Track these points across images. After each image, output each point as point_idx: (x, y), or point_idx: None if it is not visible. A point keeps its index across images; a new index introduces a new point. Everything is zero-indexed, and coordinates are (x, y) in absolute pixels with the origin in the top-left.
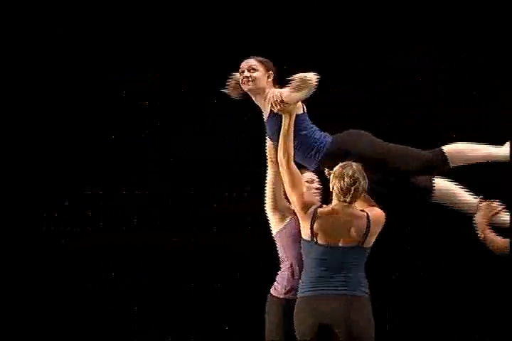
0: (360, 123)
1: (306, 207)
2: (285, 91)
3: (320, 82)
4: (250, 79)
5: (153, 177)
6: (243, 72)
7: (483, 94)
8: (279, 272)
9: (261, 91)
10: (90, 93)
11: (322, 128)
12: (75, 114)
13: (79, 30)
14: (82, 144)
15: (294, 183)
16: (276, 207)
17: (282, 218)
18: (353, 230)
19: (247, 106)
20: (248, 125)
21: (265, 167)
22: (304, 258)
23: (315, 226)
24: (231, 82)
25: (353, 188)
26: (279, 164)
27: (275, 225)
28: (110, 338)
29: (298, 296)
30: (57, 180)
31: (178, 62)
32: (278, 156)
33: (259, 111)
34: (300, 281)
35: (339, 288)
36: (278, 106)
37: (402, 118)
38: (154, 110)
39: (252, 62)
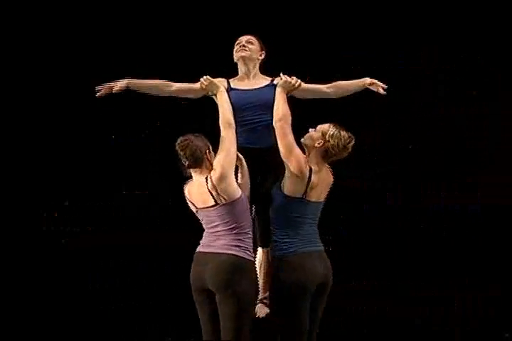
0: (360, 123)
1: (304, 167)
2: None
3: (320, 81)
4: (246, 48)
5: (153, 177)
6: (239, 43)
7: (483, 94)
8: (244, 237)
9: (251, 63)
10: (90, 93)
11: None
12: (75, 114)
13: (78, 30)
14: (82, 144)
15: (294, 147)
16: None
17: (246, 183)
18: (327, 186)
19: None
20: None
21: None
22: (283, 216)
23: (310, 184)
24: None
25: (349, 146)
26: (281, 130)
27: (237, 189)
28: (110, 338)
29: (289, 253)
30: (57, 180)
31: (178, 63)
32: (280, 122)
33: None
34: (283, 238)
35: (317, 244)
36: (293, 81)
37: (402, 118)
38: (154, 110)
39: (251, 36)
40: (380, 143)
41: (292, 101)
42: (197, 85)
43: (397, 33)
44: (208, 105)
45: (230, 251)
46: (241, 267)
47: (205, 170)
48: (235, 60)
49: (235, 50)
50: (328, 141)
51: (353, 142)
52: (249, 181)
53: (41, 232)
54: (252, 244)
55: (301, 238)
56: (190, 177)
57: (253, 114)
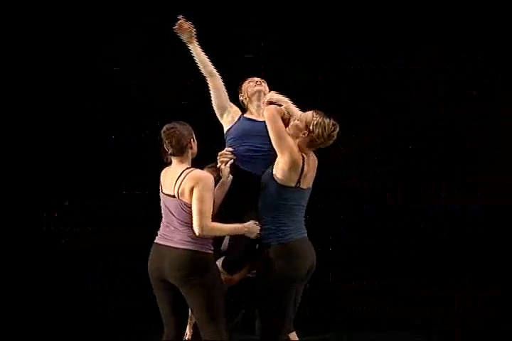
0: (360, 123)
1: (298, 157)
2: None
3: (321, 81)
4: (262, 84)
5: (153, 177)
6: (253, 80)
7: (483, 94)
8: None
9: (263, 98)
10: (90, 93)
11: None
12: (75, 114)
13: (78, 30)
14: (82, 144)
15: (285, 134)
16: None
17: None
18: (314, 172)
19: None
20: None
21: None
22: (278, 205)
23: (303, 173)
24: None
25: (334, 134)
26: (271, 116)
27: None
28: (110, 338)
29: (284, 241)
30: (57, 180)
31: (179, 62)
32: (270, 109)
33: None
34: (280, 226)
35: (305, 231)
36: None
37: (402, 118)
38: (154, 110)
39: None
40: (380, 143)
41: (293, 101)
42: (224, 95)
43: (397, 33)
44: (208, 105)
45: (186, 246)
46: (198, 262)
47: (185, 158)
48: (248, 95)
49: (249, 85)
50: (313, 131)
51: (337, 129)
52: (222, 196)
53: (41, 232)
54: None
55: (296, 225)
56: (170, 163)
57: (254, 142)
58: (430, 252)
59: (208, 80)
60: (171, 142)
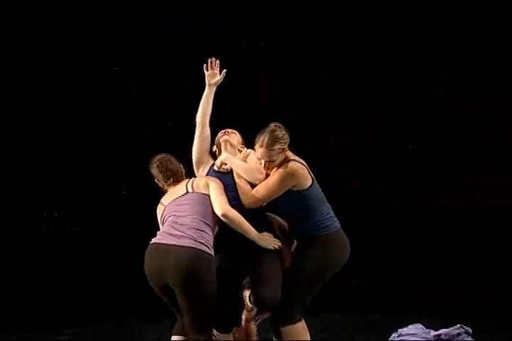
0: (360, 123)
1: (306, 174)
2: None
3: (321, 81)
4: (231, 135)
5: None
6: (223, 132)
7: (483, 94)
8: (209, 236)
9: (228, 147)
10: (90, 93)
11: (327, 130)
12: (75, 114)
13: (78, 30)
14: (82, 144)
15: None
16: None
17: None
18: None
19: (246, 106)
20: (247, 124)
21: None
22: (312, 202)
23: (310, 172)
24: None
25: (283, 133)
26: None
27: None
28: (110, 338)
29: (331, 230)
30: (57, 180)
31: (179, 62)
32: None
33: None
34: (321, 218)
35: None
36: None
37: (402, 118)
38: (154, 110)
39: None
40: (380, 143)
41: (293, 101)
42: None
43: (397, 33)
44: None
45: (193, 245)
46: (204, 262)
47: (181, 180)
48: (217, 145)
49: (219, 136)
50: (275, 148)
51: (280, 127)
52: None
53: (41, 232)
54: (212, 240)
55: (332, 213)
56: (165, 192)
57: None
58: (430, 252)
59: (198, 130)
60: (167, 171)
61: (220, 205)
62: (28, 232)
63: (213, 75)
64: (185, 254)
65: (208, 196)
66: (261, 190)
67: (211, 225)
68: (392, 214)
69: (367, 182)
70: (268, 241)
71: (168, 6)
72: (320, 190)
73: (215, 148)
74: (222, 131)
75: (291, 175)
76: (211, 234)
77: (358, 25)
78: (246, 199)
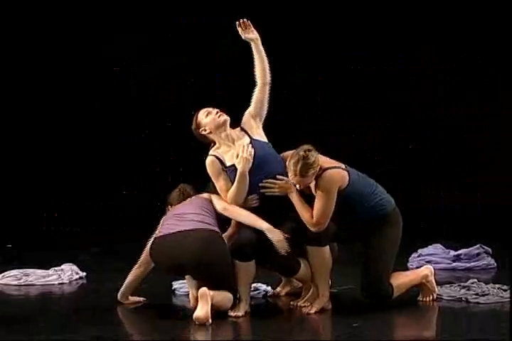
0: (360, 123)
1: (341, 180)
2: None
3: (321, 81)
4: (225, 114)
5: (153, 177)
6: (210, 112)
7: (483, 94)
8: (212, 222)
9: (227, 129)
10: (90, 93)
11: (327, 130)
12: (75, 114)
13: (79, 30)
14: (82, 144)
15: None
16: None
17: None
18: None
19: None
20: None
21: None
22: (364, 188)
23: (344, 166)
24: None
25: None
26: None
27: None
28: (110, 338)
29: (389, 209)
30: (57, 180)
31: (179, 62)
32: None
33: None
34: (378, 199)
35: None
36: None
37: (402, 118)
38: (154, 110)
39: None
40: (380, 143)
41: (293, 101)
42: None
43: (397, 33)
44: (208, 105)
45: (203, 227)
46: (216, 239)
47: None
48: (213, 127)
49: (211, 118)
50: (309, 175)
51: (310, 151)
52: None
53: (41, 232)
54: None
55: (384, 191)
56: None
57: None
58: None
59: (260, 88)
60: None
61: (220, 202)
62: (28, 232)
63: (247, 32)
64: (205, 234)
65: (211, 200)
66: (319, 215)
67: (216, 222)
68: None
69: None
70: (276, 232)
71: (168, 6)
72: (360, 174)
73: (201, 131)
74: (210, 112)
75: (330, 186)
76: (217, 229)
77: (358, 26)
78: (313, 227)
